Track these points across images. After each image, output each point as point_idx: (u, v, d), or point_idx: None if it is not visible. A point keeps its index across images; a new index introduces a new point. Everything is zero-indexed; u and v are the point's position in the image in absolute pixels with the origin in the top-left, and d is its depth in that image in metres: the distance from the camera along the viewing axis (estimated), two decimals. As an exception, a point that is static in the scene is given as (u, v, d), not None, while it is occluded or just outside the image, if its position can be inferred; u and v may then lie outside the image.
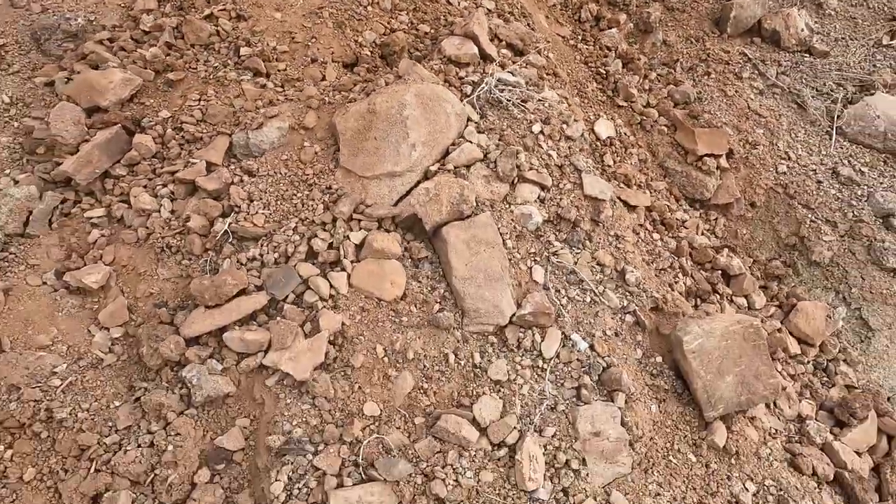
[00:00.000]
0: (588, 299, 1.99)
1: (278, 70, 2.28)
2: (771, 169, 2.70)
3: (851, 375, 2.33)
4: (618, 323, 1.98)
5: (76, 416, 1.61)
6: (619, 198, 2.34)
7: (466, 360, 1.80)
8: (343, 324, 1.78)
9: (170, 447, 1.59)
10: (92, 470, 1.54)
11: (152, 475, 1.56)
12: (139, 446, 1.59)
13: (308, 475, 1.55)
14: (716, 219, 2.68)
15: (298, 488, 1.53)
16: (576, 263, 2.04)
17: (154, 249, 1.92)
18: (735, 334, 1.90)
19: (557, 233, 2.10)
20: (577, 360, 1.85)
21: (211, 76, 2.23)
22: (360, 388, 1.71)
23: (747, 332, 1.90)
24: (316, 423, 1.64)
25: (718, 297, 2.37)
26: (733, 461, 1.85)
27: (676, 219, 2.56)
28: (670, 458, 1.81)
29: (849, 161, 2.75)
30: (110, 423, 1.63)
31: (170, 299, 1.86)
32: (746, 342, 1.90)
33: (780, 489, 1.81)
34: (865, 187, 2.65)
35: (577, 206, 2.12)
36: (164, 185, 2.03)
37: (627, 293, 2.05)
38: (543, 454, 1.66)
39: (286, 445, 1.58)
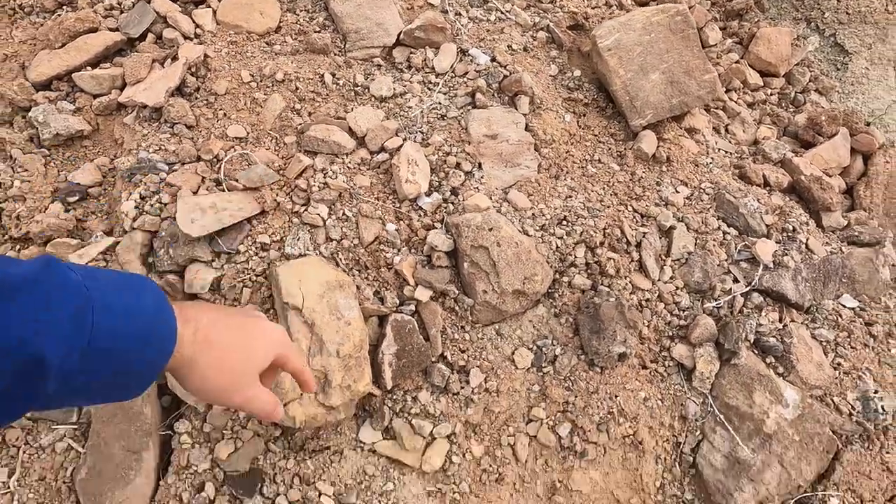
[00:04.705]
0: (493, 17, 1.75)
1: None
2: None
3: (824, 104, 2.03)
4: (528, 39, 1.73)
5: (-80, 161, 1.49)
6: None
7: (346, 81, 1.60)
8: (206, 55, 1.59)
9: (17, 182, 1.47)
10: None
11: (-2, 210, 1.44)
12: (-16, 184, 1.47)
13: (161, 192, 1.40)
14: (667, -33, 2.35)
15: (151, 204, 1.39)
16: (479, -16, 1.78)
17: (6, 13, 1.76)
18: (659, 25, 1.63)
19: (458, -42, 1.83)
20: (475, 70, 1.62)
21: None
22: (224, 114, 1.54)
23: (674, 22, 1.63)
24: (175, 148, 1.48)
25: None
26: (664, 168, 1.62)
27: (618, -33, 2.24)
28: (588, 167, 1.59)
29: None
30: (-43, 169, 1.51)
31: (26, 60, 1.70)
32: (674, 34, 1.63)
33: (719, 189, 1.58)
34: None
35: (479, -73, 1.84)
36: (18, -46, 1.85)
37: (541, 10, 1.79)
38: (432, 158, 1.46)
39: (137, 165, 1.43)
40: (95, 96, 1.58)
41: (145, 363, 0.56)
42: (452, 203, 1.42)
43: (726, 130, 1.85)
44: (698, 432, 1.33)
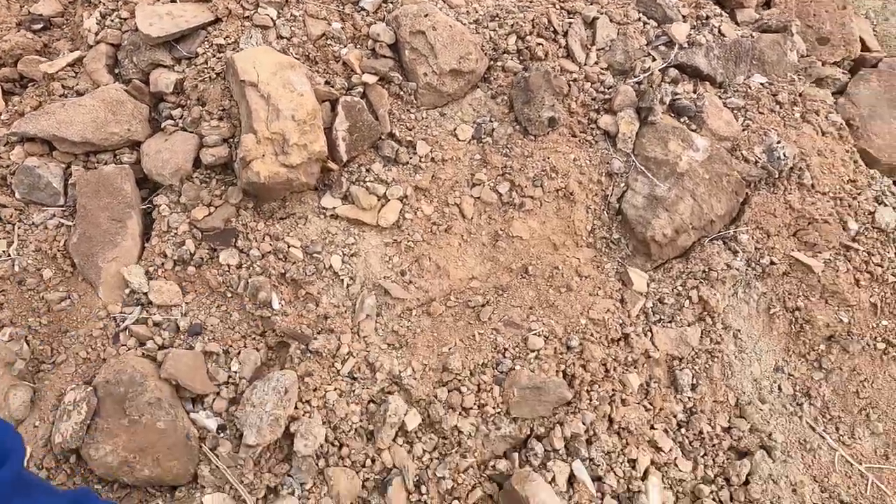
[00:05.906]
0: None
1: None
2: None
3: (744, -70, 2.16)
4: None
5: None
6: None
7: None
8: None
9: (-18, 13, 1.57)
10: None
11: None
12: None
13: (120, 9, 1.51)
14: None
15: (111, 20, 1.50)
16: None
17: None
18: None
19: None
20: None
21: None
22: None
23: None
24: (129, -26, 1.58)
25: None
26: (589, -25, 1.75)
27: None
28: (518, -25, 1.71)
29: None
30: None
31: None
32: None
33: (638, -13, 1.72)
34: None
35: None
36: None
37: None
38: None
39: (94, -13, 1.53)
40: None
41: None
42: (392, 3, 1.54)
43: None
44: (623, 184, 1.50)
